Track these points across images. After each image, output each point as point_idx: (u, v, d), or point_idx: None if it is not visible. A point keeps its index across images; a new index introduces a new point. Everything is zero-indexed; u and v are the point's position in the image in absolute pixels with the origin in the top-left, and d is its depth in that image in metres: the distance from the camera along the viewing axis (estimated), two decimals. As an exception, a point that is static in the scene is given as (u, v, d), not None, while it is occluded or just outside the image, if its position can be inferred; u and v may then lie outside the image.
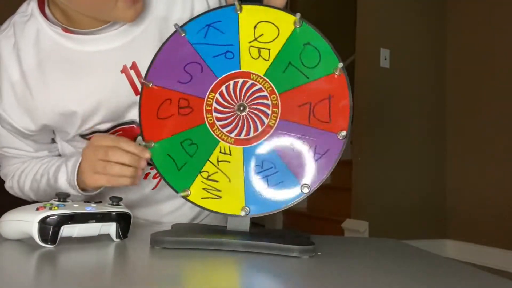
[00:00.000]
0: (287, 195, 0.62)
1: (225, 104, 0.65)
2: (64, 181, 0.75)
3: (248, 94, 0.64)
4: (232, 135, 0.64)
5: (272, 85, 0.63)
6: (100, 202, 0.63)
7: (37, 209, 0.56)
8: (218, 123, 0.65)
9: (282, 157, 0.62)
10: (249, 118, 0.64)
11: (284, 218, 3.54)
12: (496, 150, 2.65)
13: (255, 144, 0.63)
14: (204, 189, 0.64)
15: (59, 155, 0.85)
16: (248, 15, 0.66)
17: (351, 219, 2.76)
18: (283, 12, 0.65)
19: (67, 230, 0.57)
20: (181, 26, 0.67)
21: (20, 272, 0.47)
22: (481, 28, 2.80)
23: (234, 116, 0.64)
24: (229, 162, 0.64)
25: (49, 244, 0.56)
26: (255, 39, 0.65)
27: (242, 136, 0.64)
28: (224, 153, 0.64)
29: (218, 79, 0.65)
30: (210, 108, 0.65)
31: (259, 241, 0.57)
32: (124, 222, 0.63)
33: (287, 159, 0.62)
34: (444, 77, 3.00)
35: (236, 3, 0.65)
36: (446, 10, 3.03)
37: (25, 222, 0.56)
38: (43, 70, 0.73)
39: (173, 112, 0.66)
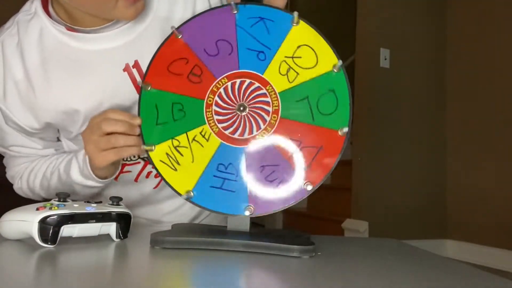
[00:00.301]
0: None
1: (227, 100, 0.65)
2: (77, 173, 0.75)
3: (252, 95, 0.64)
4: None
5: (279, 102, 0.63)
6: (100, 202, 0.63)
7: (37, 209, 0.56)
8: (215, 108, 0.65)
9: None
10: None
11: (284, 218, 3.54)
12: (496, 150, 2.65)
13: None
14: (167, 154, 0.65)
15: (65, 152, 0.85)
16: (301, 32, 0.65)
17: (351, 219, 2.76)
18: (331, 51, 0.63)
19: (67, 230, 0.57)
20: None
21: (20, 272, 0.47)
22: (481, 28, 2.80)
23: (233, 114, 0.64)
24: (202, 146, 0.64)
25: (49, 244, 0.56)
26: (293, 57, 0.64)
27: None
28: (203, 136, 0.64)
29: (239, 70, 0.65)
30: (216, 90, 0.65)
31: (259, 241, 0.57)
32: (124, 222, 0.63)
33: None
34: (444, 77, 3.00)
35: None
36: (446, 10, 3.03)
37: (25, 222, 0.56)
38: (46, 68, 0.73)
39: (183, 72, 0.66)
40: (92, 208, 0.59)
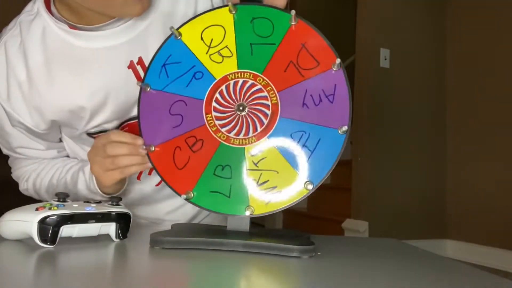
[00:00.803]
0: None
1: (224, 109, 0.65)
2: (84, 188, 0.77)
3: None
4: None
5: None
6: (100, 202, 0.63)
7: (37, 209, 0.56)
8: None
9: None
10: (249, 118, 0.64)
11: (284, 218, 3.54)
12: (496, 150, 2.65)
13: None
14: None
15: (67, 156, 0.86)
16: (189, 33, 0.66)
17: (351, 219, 2.76)
18: (218, 10, 0.65)
19: (66, 230, 0.57)
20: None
21: (19, 272, 0.47)
22: (481, 28, 2.80)
23: (235, 117, 0.64)
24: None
25: (48, 244, 0.55)
26: (209, 47, 0.65)
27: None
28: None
29: (204, 99, 0.65)
30: (216, 128, 0.65)
31: (259, 241, 0.57)
32: (123, 222, 0.62)
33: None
34: (444, 77, 3.00)
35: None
36: (446, 10, 3.03)
37: (24, 222, 0.56)
38: (50, 67, 0.73)
39: (188, 154, 0.65)
40: (91, 208, 0.59)
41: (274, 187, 0.62)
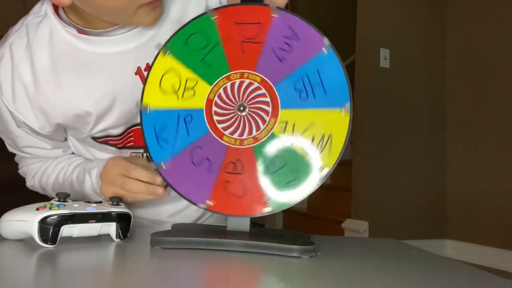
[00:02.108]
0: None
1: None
2: (90, 190, 0.78)
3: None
4: (230, 134, 0.64)
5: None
6: (100, 202, 0.63)
7: (37, 209, 0.56)
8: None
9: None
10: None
11: (284, 218, 3.54)
12: (496, 150, 2.65)
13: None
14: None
15: (72, 153, 0.86)
16: (153, 99, 0.67)
17: (351, 219, 2.76)
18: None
19: (67, 230, 0.57)
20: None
21: (20, 272, 0.47)
22: (481, 28, 2.80)
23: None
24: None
25: (49, 244, 0.56)
26: (176, 92, 0.66)
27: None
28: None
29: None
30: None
31: (259, 241, 0.57)
32: (124, 222, 0.62)
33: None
34: (444, 77, 3.00)
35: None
36: (446, 10, 3.03)
37: (25, 222, 0.56)
38: (56, 71, 0.73)
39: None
40: (92, 208, 0.59)
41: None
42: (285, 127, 0.62)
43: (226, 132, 0.64)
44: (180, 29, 0.68)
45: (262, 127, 0.63)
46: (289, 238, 0.62)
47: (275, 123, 0.63)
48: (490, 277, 0.51)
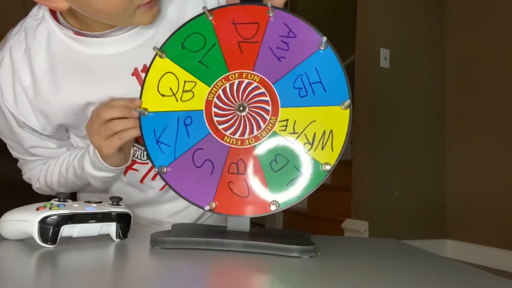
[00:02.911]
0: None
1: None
2: (89, 166, 0.77)
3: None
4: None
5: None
6: (100, 202, 0.63)
7: (37, 209, 0.56)
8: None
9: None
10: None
11: (284, 218, 3.54)
12: (496, 150, 2.65)
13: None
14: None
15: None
16: (151, 103, 0.67)
17: (351, 219, 2.76)
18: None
19: (67, 230, 0.57)
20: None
21: (20, 272, 0.47)
22: (481, 28, 2.80)
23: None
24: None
25: (49, 244, 0.55)
26: (174, 94, 0.66)
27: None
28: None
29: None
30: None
31: (259, 241, 0.57)
32: (124, 222, 0.62)
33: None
34: (444, 77, 3.00)
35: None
36: (446, 10, 3.03)
37: (25, 222, 0.56)
38: (55, 74, 0.74)
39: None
40: (92, 208, 0.59)
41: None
42: (286, 125, 0.63)
43: (227, 133, 0.64)
44: (176, 30, 0.68)
45: (263, 126, 0.63)
46: (289, 238, 0.62)
47: (275, 121, 0.63)
48: (490, 277, 0.51)
